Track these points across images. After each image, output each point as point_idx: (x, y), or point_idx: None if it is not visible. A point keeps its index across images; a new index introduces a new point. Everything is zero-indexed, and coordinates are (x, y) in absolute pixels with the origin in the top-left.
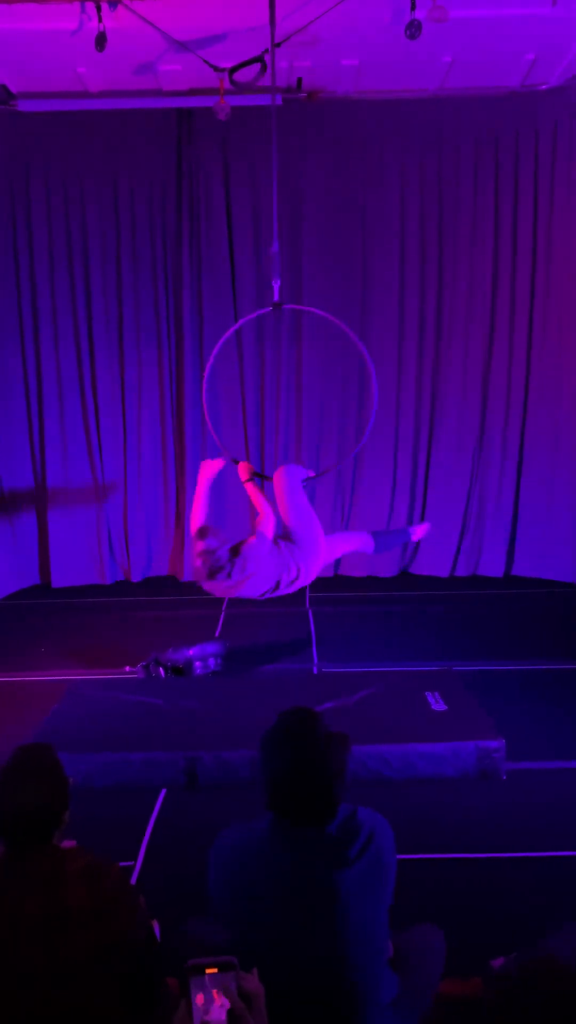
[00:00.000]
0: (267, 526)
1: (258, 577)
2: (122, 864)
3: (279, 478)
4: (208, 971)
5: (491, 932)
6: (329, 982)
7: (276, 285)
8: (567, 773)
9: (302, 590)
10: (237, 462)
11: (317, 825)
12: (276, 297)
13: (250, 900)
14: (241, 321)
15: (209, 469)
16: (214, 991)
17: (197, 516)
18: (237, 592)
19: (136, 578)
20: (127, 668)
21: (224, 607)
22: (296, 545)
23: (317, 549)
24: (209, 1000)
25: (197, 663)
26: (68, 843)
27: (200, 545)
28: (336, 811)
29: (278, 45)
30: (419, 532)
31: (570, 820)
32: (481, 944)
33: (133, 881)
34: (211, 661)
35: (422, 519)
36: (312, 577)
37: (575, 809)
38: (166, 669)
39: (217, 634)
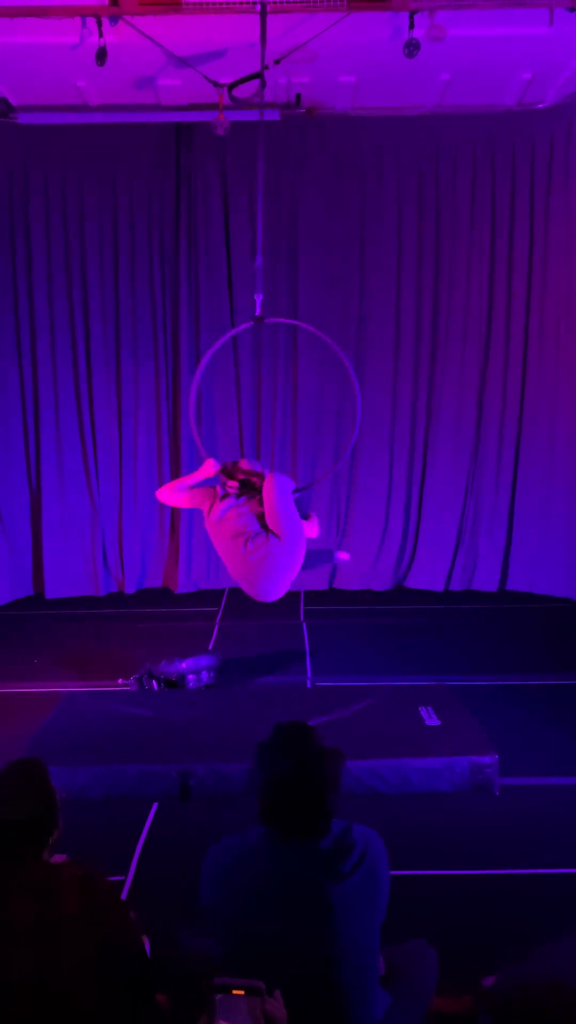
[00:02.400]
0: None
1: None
2: (114, 877)
3: (269, 486)
4: (235, 992)
5: (484, 948)
6: (321, 996)
7: (258, 299)
8: (561, 788)
9: (296, 602)
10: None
11: (310, 839)
12: (258, 311)
13: (242, 913)
14: (225, 337)
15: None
16: (237, 1012)
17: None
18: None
19: (130, 590)
20: (120, 680)
21: (218, 620)
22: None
23: (298, 552)
24: (232, 1020)
25: (190, 676)
26: (59, 857)
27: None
28: (330, 825)
29: (277, 62)
30: (343, 556)
31: (564, 836)
32: (473, 961)
33: (125, 893)
34: (204, 674)
35: (417, 533)
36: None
37: (569, 825)
38: (159, 682)
39: (211, 647)
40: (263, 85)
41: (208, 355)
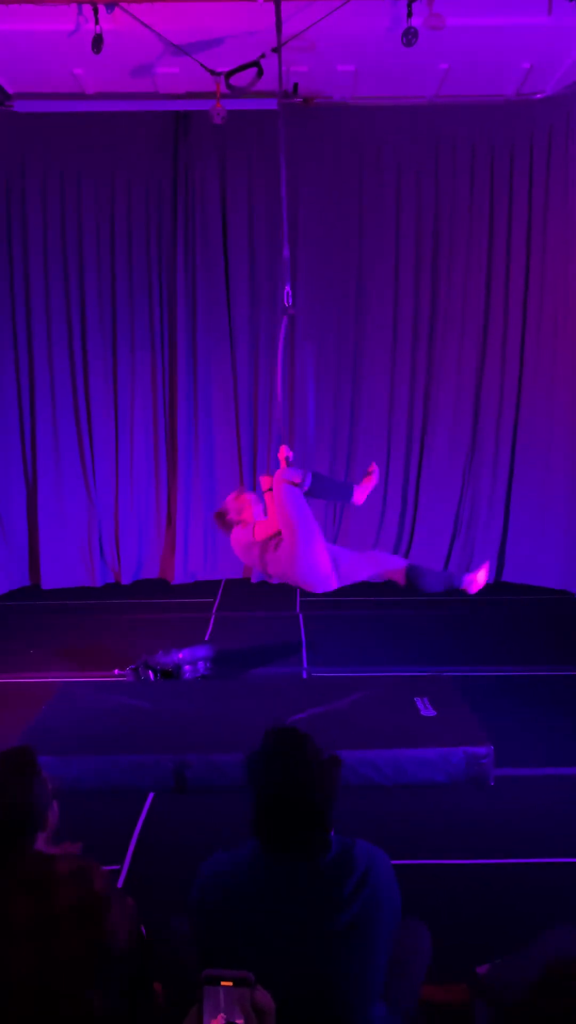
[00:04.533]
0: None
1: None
2: (110, 867)
3: (277, 488)
4: (224, 984)
5: (478, 938)
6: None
7: (287, 292)
8: (555, 779)
9: (292, 593)
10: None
11: (307, 856)
12: (288, 302)
13: (237, 943)
14: (280, 341)
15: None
16: (227, 1003)
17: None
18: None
19: (126, 581)
20: (116, 671)
21: (215, 611)
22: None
23: (316, 563)
24: (221, 1012)
25: (187, 667)
26: (72, 847)
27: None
28: (328, 842)
29: (274, 51)
30: (473, 582)
31: (558, 826)
32: (468, 949)
33: (120, 883)
34: (200, 665)
35: (413, 524)
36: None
37: (563, 815)
38: (155, 672)
39: (207, 637)
40: (260, 73)
41: (279, 355)
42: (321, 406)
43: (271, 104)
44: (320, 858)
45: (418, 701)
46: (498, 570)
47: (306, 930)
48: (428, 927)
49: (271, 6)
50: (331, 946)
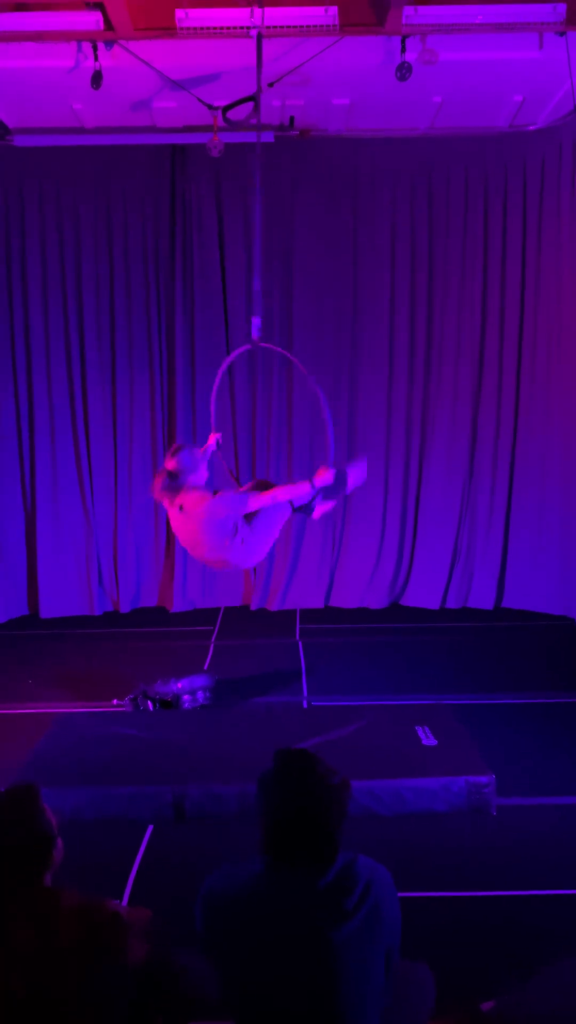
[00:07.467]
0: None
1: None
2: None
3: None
4: None
5: (482, 972)
6: None
7: (255, 322)
8: (558, 809)
9: (292, 620)
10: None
11: (313, 874)
12: (255, 335)
13: (240, 953)
14: (228, 360)
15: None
16: None
17: None
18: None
19: (125, 609)
20: (115, 701)
21: (214, 640)
22: (250, 530)
23: (263, 549)
24: None
25: (185, 696)
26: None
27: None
28: (334, 859)
29: (271, 85)
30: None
31: (561, 857)
32: (471, 984)
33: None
34: (199, 694)
35: (413, 551)
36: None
37: (566, 845)
38: (154, 702)
39: (206, 667)
40: (257, 109)
41: (215, 386)
42: (318, 423)
43: (268, 137)
44: (324, 873)
45: (419, 730)
46: (497, 596)
47: (310, 943)
48: (430, 960)
49: (268, 42)
50: (334, 959)
